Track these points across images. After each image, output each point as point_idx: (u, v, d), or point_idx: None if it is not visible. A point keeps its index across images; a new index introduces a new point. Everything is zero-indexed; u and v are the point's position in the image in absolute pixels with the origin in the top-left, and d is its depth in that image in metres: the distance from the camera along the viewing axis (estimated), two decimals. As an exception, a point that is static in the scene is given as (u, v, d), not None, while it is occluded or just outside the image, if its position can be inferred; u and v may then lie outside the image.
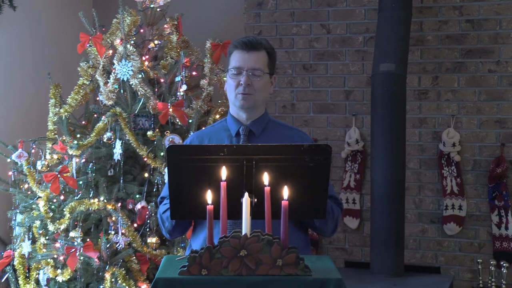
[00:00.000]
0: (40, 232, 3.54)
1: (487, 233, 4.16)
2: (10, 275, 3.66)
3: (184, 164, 1.97)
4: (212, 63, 3.73)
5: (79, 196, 3.47)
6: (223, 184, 1.85)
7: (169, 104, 3.53)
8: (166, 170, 2.18)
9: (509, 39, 4.13)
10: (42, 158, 3.60)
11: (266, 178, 1.90)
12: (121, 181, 3.48)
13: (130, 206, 3.45)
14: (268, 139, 2.30)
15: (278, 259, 1.81)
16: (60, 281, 3.41)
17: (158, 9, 3.81)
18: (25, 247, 3.53)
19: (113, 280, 3.28)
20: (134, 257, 3.41)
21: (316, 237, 4.39)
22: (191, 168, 1.97)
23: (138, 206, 3.41)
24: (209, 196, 1.85)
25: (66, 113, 3.60)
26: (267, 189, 1.87)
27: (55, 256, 3.45)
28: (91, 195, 3.46)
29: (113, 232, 3.38)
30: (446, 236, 4.22)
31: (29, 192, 3.69)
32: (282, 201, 1.84)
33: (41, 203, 3.45)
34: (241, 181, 1.95)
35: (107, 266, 3.34)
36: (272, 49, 2.35)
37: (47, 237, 3.53)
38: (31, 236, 3.57)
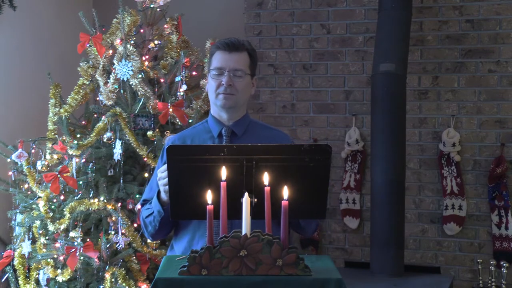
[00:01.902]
0: (40, 232, 3.54)
1: (487, 233, 4.16)
2: (10, 275, 3.66)
3: (184, 164, 1.97)
4: (212, 63, 3.72)
5: (79, 196, 3.47)
6: (223, 184, 1.85)
7: (169, 104, 3.53)
8: (155, 169, 2.19)
9: (509, 39, 4.14)
10: (42, 158, 3.60)
11: (266, 178, 1.90)
12: (121, 181, 3.48)
13: (130, 206, 3.45)
14: (250, 140, 2.30)
15: (278, 259, 1.81)
16: (60, 281, 3.41)
17: (158, 9, 3.81)
18: (25, 247, 3.53)
19: (113, 280, 3.28)
20: (134, 257, 3.41)
21: (317, 237, 4.39)
22: (191, 168, 1.97)
23: (138, 206, 3.40)
24: (209, 196, 1.85)
25: (66, 113, 3.60)
26: (267, 189, 1.87)
27: (55, 256, 3.45)
28: (91, 195, 3.46)
29: (113, 232, 3.38)
30: (446, 236, 4.22)
31: (29, 192, 3.69)
32: (282, 201, 1.84)
33: (41, 203, 3.45)
34: (241, 181, 1.95)
35: (107, 266, 3.34)
36: (253, 50, 2.35)
37: (47, 237, 3.52)
38: (31, 236, 3.57)
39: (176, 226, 2.33)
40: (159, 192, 2.22)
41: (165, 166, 2.13)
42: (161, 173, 2.16)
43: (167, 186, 2.12)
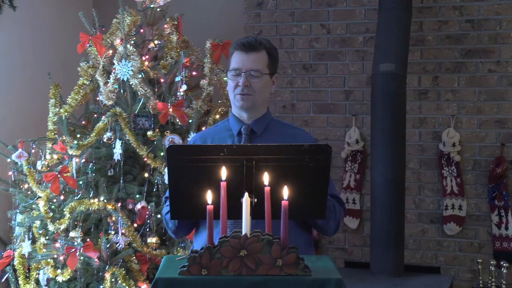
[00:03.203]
0: (40, 232, 3.54)
1: (487, 233, 4.16)
2: (10, 275, 3.66)
3: (184, 164, 1.97)
4: (212, 63, 3.73)
5: (79, 196, 3.47)
6: (223, 184, 1.85)
7: (169, 104, 3.53)
8: (166, 170, 2.18)
9: (509, 39, 4.14)
10: (42, 158, 3.60)
11: (266, 178, 1.90)
12: (121, 181, 3.48)
13: (130, 206, 3.45)
14: (270, 138, 2.31)
15: (278, 259, 1.81)
16: (60, 281, 3.41)
17: (158, 9, 3.81)
18: (25, 247, 3.53)
19: (113, 280, 3.28)
20: (134, 257, 3.41)
21: (316, 237, 4.39)
22: (191, 168, 1.97)
23: (138, 206, 3.41)
24: (209, 196, 1.85)
25: (66, 113, 3.60)
26: (267, 189, 1.87)
27: (55, 256, 3.45)
28: (91, 195, 3.46)
29: (113, 232, 3.38)
30: (446, 236, 4.22)
31: (29, 192, 3.69)
32: (282, 201, 1.84)
33: (41, 203, 3.45)
34: (241, 181, 1.95)
35: (107, 266, 3.34)
36: (272, 48, 2.35)
37: (47, 237, 3.53)
38: (31, 236, 3.57)
39: (197, 223, 2.33)
40: None
41: None
42: None
43: None
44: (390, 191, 3.89)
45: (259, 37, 2.35)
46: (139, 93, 3.53)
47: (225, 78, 3.66)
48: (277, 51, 2.38)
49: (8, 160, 3.68)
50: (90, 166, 3.50)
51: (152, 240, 3.39)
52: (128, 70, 3.49)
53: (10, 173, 3.72)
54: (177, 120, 3.56)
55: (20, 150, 3.57)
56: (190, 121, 3.57)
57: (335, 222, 2.31)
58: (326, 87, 4.47)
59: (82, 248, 3.28)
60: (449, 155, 4.16)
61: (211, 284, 1.80)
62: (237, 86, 2.29)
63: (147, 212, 3.39)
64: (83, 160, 3.54)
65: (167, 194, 2.41)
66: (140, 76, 3.54)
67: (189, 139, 3.30)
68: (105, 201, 3.39)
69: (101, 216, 3.46)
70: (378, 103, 3.93)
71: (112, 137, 3.45)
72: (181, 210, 2.05)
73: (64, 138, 3.55)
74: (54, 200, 3.54)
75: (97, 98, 3.71)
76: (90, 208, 3.38)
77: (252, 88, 2.28)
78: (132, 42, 3.61)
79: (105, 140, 3.46)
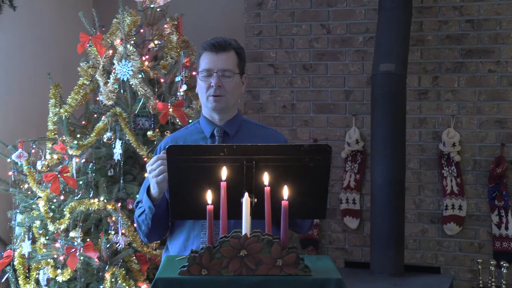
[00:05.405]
0: (40, 232, 3.54)
1: (487, 233, 4.16)
2: (10, 275, 3.66)
3: (184, 164, 1.97)
4: (212, 63, 3.72)
5: (79, 196, 3.47)
6: (223, 184, 1.85)
7: (169, 104, 3.53)
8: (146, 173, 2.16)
9: (509, 39, 4.14)
10: (42, 158, 3.60)
11: (266, 178, 1.90)
12: (121, 181, 3.48)
13: (130, 206, 3.45)
14: (242, 139, 2.30)
15: (278, 259, 1.81)
16: (60, 281, 3.41)
17: (158, 9, 3.81)
18: (25, 247, 3.53)
19: (113, 280, 3.27)
20: (134, 257, 3.41)
21: (317, 237, 4.40)
22: (191, 168, 1.97)
23: (138, 206, 3.41)
24: (209, 196, 1.85)
25: (66, 113, 3.60)
26: (267, 189, 1.87)
27: (55, 256, 3.45)
28: (91, 195, 3.46)
29: (113, 232, 3.38)
30: (446, 236, 4.22)
31: (29, 192, 3.69)
32: (282, 201, 1.84)
33: (41, 203, 3.45)
34: (241, 181, 1.95)
35: (107, 266, 3.34)
36: (241, 48, 2.34)
37: (47, 237, 3.52)
38: (31, 236, 3.57)
39: (171, 227, 2.33)
40: (148, 189, 2.21)
41: (154, 158, 2.13)
42: (151, 166, 2.13)
43: (159, 177, 2.10)
44: (390, 191, 3.89)
45: (226, 38, 2.34)
46: (139, 93, 3.53)
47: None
48: (244, 51, 2.37)
49: (8, 160, 3.68)
50: (90, 166, 3.50)
51: (152, 240, 3.38)
52: (128, 70, 3.48)
53: (10, 173, 3.72)
54: (177, 120, 3.56)
55: (20, 150, 3.57)
56: (190, 121, 3.57)
57: (310, 220, 2.33)
58: (326, 87, 4.47)
59: (82, 248, 3.28)
60: (449, 155, 4.16)
61: (211, 284, 1.80)
62: (209, 88, 2.27)
63: (147, 212, 3.39)
64: (83, 160, 3.54)
65: (138, 198, 2.39)
66: (140, 76, 3.54)
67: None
68: (105, 201, 3.39)
69: (101, 216, 3.46)
70: (378, 103, 3.94)
71: (112, 137, 3.44)
72: (181, 210, 2.05)
73: (64, 138, 3.54)
74: (54, 200, 3.54)
75: (97, 98, 3.71)
76: (90, 208, 3.38)
77: (224, 88, 2.27)
78: (132, 42, 3.61)
79: (105, 140, 3.46)
